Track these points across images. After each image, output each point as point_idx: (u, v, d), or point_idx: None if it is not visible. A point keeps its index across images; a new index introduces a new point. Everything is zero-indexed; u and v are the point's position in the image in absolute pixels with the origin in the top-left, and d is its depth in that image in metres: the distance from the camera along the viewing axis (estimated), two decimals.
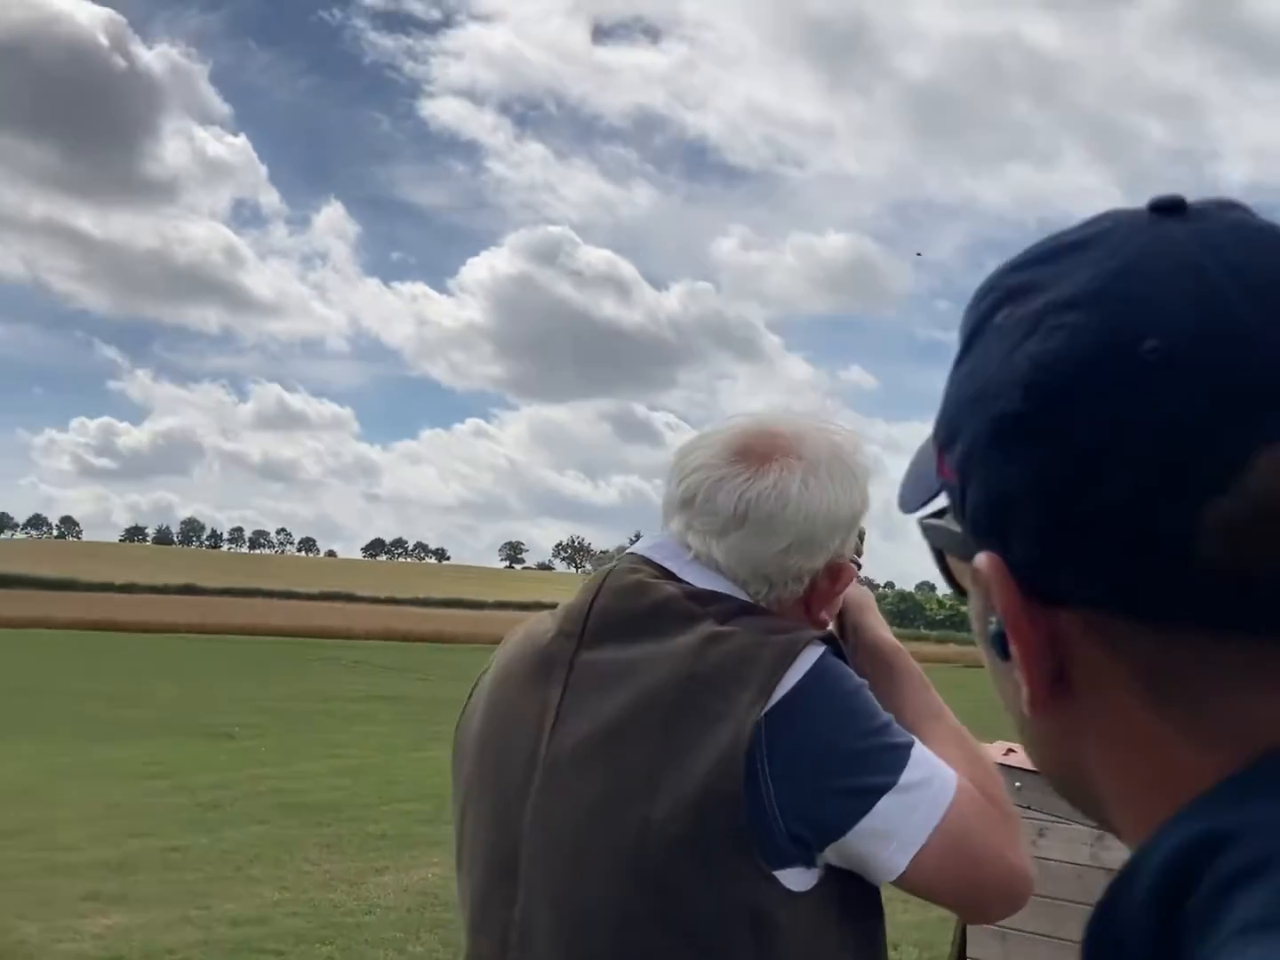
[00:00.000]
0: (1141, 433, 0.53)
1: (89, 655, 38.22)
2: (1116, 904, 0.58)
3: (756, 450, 1.51)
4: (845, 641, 1.64)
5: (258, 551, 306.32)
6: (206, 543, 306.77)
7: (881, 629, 1.68)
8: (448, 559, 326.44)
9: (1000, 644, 0.61)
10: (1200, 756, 0.57)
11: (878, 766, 1.36)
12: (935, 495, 0.68)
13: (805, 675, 1.36)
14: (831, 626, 1.63)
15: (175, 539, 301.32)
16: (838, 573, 1.54)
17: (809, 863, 1.36)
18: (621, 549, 1.62)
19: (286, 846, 10.27)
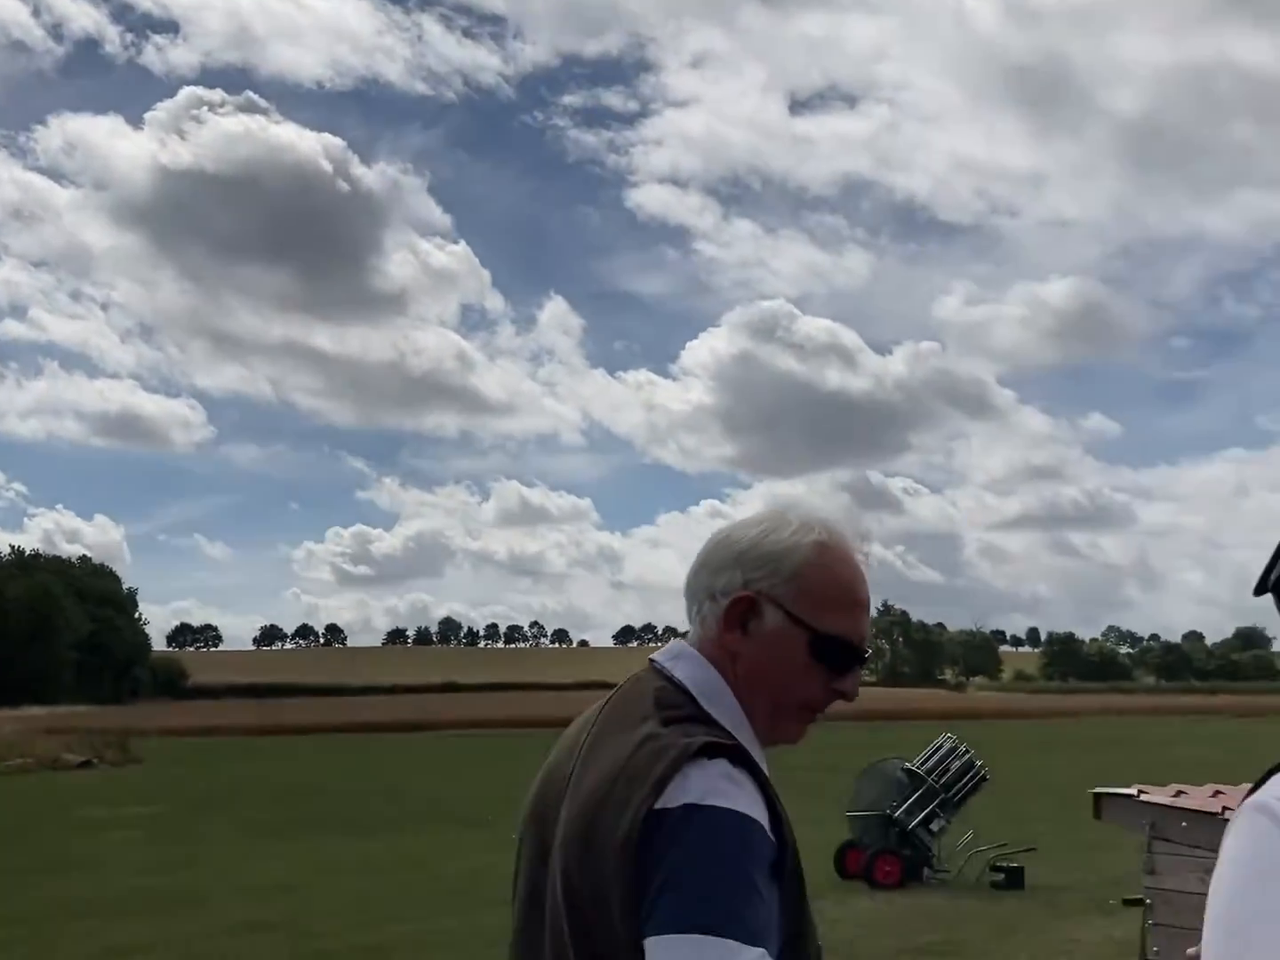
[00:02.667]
0: None
1: (357, 756, 39.73)
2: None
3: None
4: None
5: (513, 646, 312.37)
6: (464, 640, 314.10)
7: None
8: None
9: None
10: None
11: (701, 909, 1.47)
12: None
13: (698, 795, 1.56)
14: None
15: (434, 638, 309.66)
16: (748, 603, 1.76)
17: None
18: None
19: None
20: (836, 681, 1.78)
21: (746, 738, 1.72)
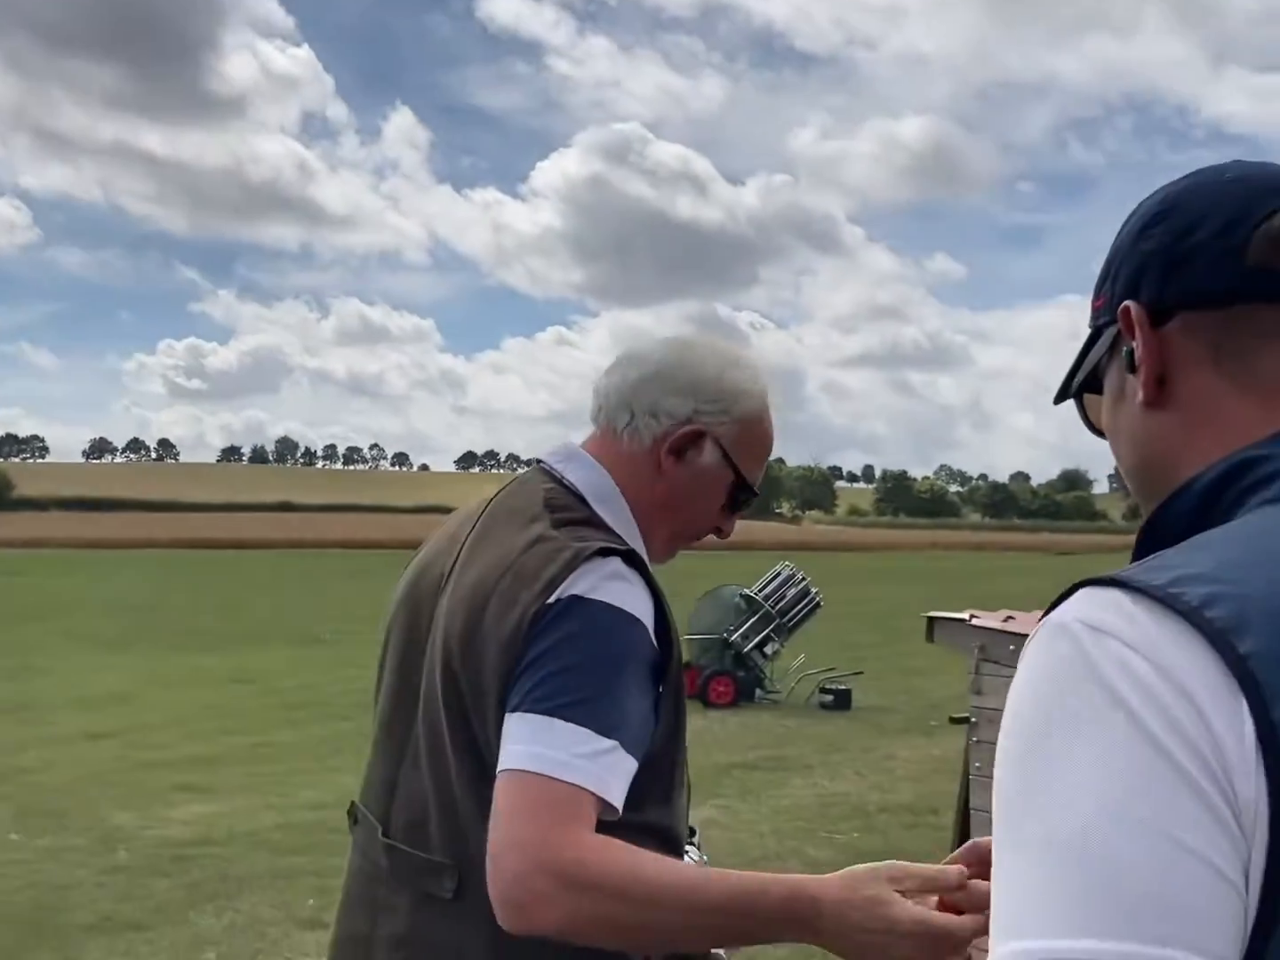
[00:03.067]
0: (1221, 203, 0.95)
1: (191, 573, 39.34)
2: (1167, 512, 0.92)
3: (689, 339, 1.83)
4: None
5: (352, 467, 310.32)
6: (301, 460, 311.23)
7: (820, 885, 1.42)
8: None
9: (1130, 359, 0.97)
10: (1250, 407, 0.91)
11: (560, 693, 1.45)
12: (1077, 368, 1.08)
13: (585, 588, 1.53)
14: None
15: (270, 457, 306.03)
16: (694, 438, 1.74)
17: None
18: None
19: (368, 739, 10.72)
20: (725, 521, 1.82)
21: (624, 524, 1.72)
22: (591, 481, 1.73)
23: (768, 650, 14.38)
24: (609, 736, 1.44)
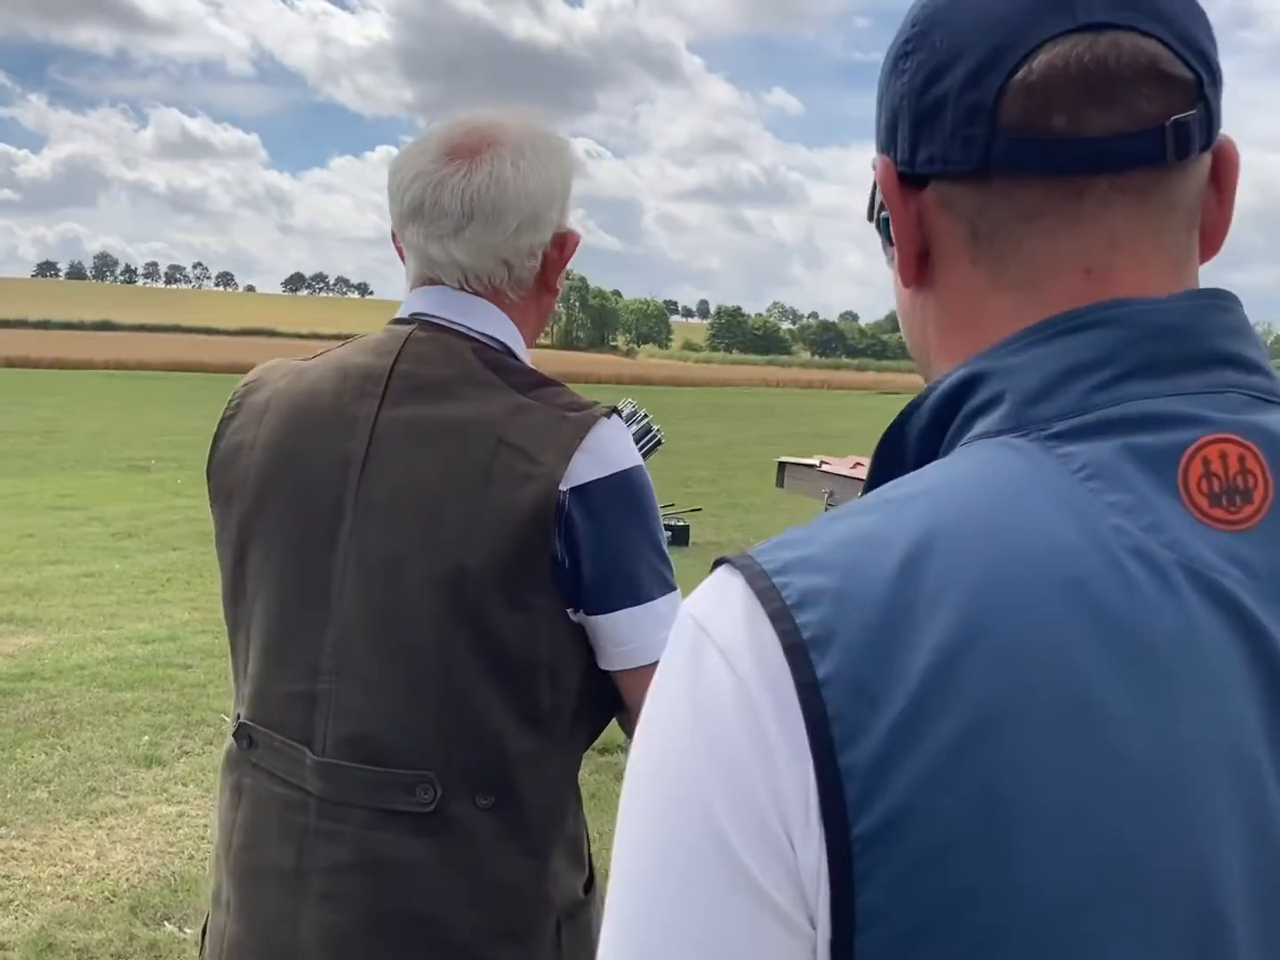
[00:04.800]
0: (981, 32, 0.73)
1: (8, 393, 37.81)
2: (905, 425, 0.77)
3: (465, 146, 1.59)
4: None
5: (175, 286, 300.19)
6: (121, 277, 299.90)
7: None
8: (370, 294, 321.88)
9: (886, 228, 0.81)
10: (1000, 298, 0.76)
11: (648, 580, 1.54)
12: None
13: (610, 463, 1.51)
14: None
15: (89, 274, 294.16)
16: (563, 241, 1.65)
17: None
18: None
19: (198, 571, 10.51)
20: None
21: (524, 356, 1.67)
22: (506, 332, 1.62)
23: None
24: (674, 580, 1.58)
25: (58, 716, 6.57)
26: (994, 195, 0.75)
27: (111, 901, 4.55)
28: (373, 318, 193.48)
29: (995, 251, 0.76)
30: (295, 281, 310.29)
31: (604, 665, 1.54)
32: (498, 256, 1.59)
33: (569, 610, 1.51)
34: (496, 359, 1.58)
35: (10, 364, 60.62)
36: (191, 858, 4.92)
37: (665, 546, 1.57)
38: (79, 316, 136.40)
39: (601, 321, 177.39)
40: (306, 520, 1.56)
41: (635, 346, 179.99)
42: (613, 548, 1.50)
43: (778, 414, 45.02)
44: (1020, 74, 0.71)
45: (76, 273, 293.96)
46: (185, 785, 5.68)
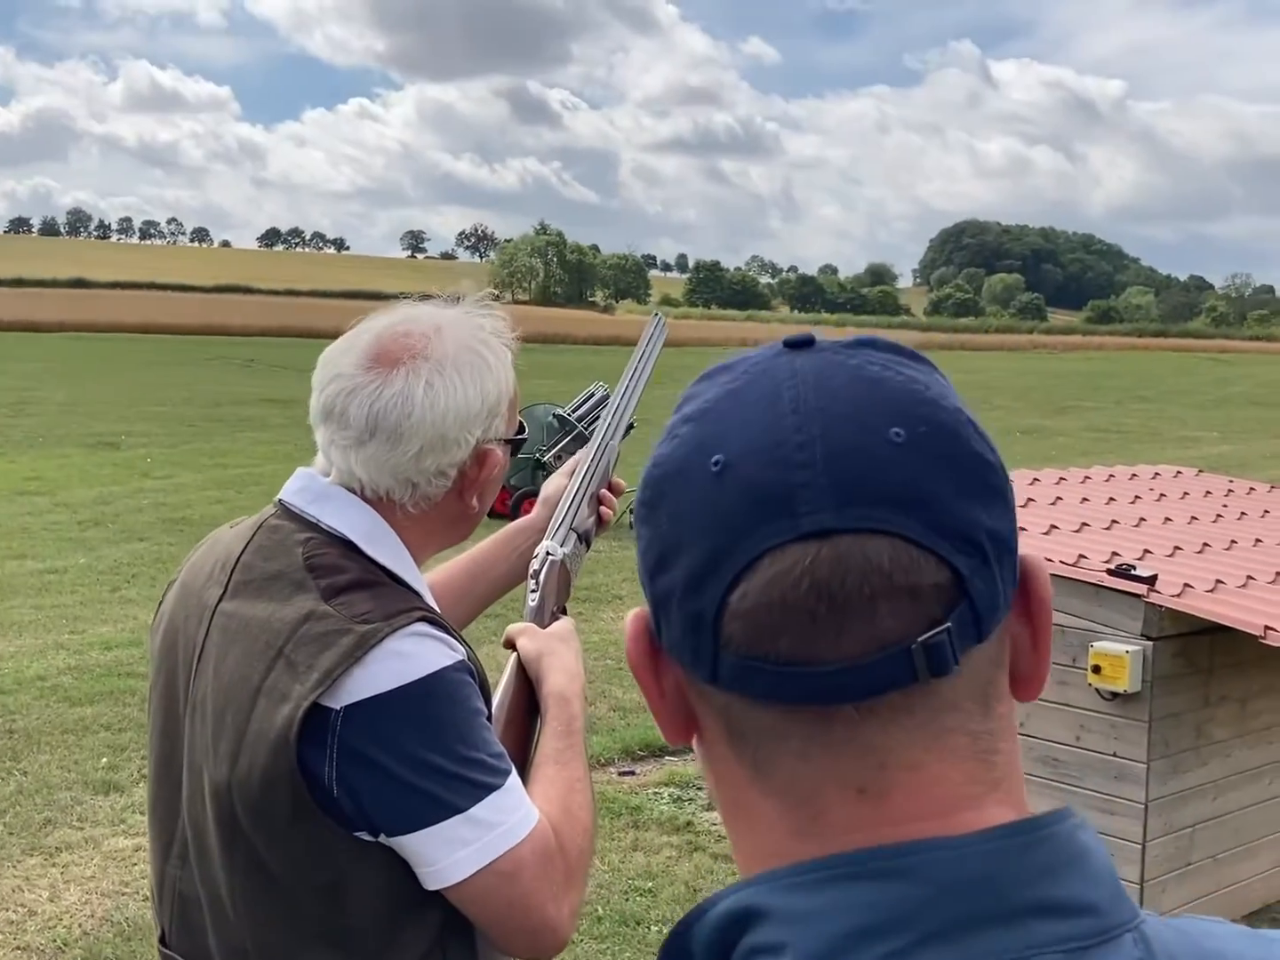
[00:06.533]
0: (699, 529, 0.64)
1: None
2: (689, 938, 0.66)
3: (388, 355, 1.54)
4: (544, 621, 1.72)
5: (149, 242, 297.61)
6: (95, 233, 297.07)
7: (555, 677, 1.68)
8: (347, 249, 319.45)
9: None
10: (767, 804, 0.66)
11: (448, 793, 1.43)
12: None
13: (399, 676, 1.43)
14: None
15: (61, 229, 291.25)
16: (483, 459, 1.60)
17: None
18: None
19: (163, 564, 10.42)
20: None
21: (405, 567, 1.57)
22: (357, 523, 1.55)
23: None
24: (500, 779, 1.45)
25: (15, 737, 6.51)
26: (737, 705, 0.65)
27: (64, 951, 4.52)
28: (349, 274, 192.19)
29: (753, 757, 0.66)
30: (271, 236, 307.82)
31: (424, 885, 1.46)
32: (398, 476, 1.55)
33: (358, 833, 1.44)
34: (323, 556, 1.52)
35: None
36: (146, 898, 4.87)
37: (483, 748, 1.46)
38: (52, 273, 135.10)
39: (579, 277, 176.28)
40: (168, 705, 1.61)
41: (614, 302, 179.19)
42: (396, 766, 1.41)
43: None
44: (738, 593, 0.62)
45: (49, 229, 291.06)
46: (140, 814, 5.63)
